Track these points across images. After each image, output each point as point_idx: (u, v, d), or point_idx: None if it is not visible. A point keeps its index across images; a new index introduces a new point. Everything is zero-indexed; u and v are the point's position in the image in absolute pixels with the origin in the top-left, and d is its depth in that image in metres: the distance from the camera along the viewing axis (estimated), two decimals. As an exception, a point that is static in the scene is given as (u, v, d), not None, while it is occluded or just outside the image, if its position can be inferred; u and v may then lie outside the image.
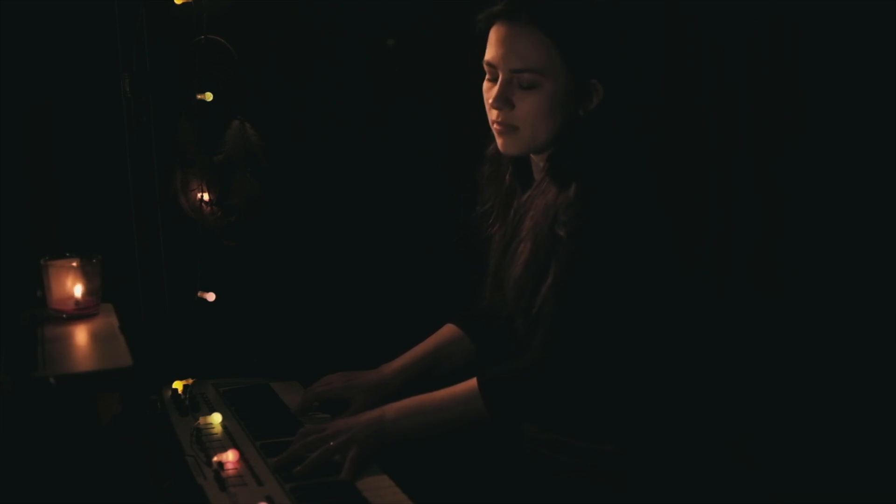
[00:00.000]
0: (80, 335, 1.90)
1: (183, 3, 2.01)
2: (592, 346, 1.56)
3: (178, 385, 1.96)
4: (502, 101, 1.62)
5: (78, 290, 1.97)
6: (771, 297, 2.33)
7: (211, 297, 2.07)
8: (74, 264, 1.97)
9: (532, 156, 1.71)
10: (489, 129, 1.71)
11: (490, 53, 1.64)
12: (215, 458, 1.60)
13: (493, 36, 1.63)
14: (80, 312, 1.97)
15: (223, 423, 1.78)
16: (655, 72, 2.50)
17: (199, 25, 2.01)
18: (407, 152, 2.52)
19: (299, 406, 1.82)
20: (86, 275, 1.98)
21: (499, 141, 1.67)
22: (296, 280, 2.37)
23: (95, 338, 1.88)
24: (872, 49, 2.19)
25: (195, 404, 1.90)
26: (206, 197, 2.07)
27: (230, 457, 1.61)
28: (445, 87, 2.48)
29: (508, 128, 1.64)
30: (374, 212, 2.48)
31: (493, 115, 1.65)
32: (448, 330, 1.92)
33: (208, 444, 1.68)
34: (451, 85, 2.49)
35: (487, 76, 1.66)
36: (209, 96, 2.03)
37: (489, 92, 1.65)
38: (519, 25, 1.59)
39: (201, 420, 1.77)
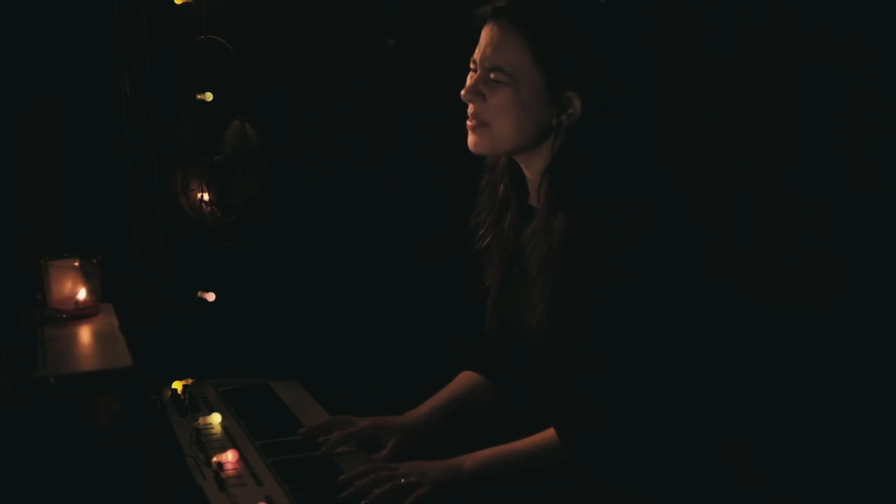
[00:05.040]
0: (80, 335, 1.90)
1: (183, 3, 2.01)
2: (662, 383, 1.53)
3: (177, 385, 1.96)
4: (473, 92, 1.65)
5: (78, 290, 1.97)
6: (767, 302, 2.33)
7: (211, 297, 2.07)
8: (75, 264, 1.97)
9: (526, 172, 1.70)
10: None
11: (476, 51, 1.67)
12: (215, 459, 1.60)
13: (482, 34, 1.66)
14: (80, 312, 1.97)
15: (223, 424, 1.78)
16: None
17: (199, 25, 2.02)
18: (407, 152, 2.51)
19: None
20: (86, 275, 1.98)
21: (469, 139, 1.68)
22: (296, 280, 2.37)
23: (95, 338, 1.89)
24: (871, 53, 2.18)
25: (195, 404, 1.90)
26: (206, 197, 2.07)
27: (230, 457, 1.61)
28: (445, 87, 2.48)
29: (478, 123, 1.65)
30: (374, 212, 2.48)
31: (468, 108, 1.67)
32: (467, 376, 1.88)
33: (208, 445, 1.68)
34: (451, 85, 2.48)
35: (470, 71, 1.69)
36: (209, 96, 2.03)
37: (466, 87, 1.67)
38: (502, 26, 1.62)
39: (201, 420, 1.78)
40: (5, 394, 1.61)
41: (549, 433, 1.56)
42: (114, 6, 1.99)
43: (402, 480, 1.51)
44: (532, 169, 1.68)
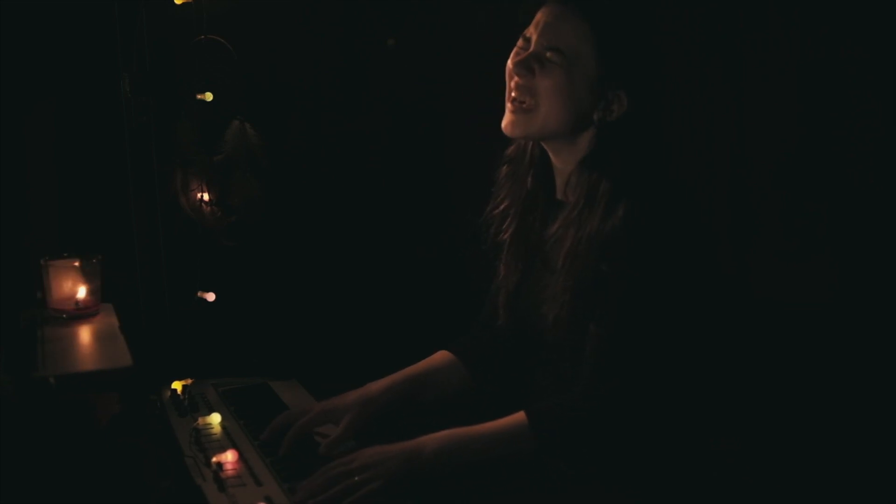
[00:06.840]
0: (80, 335, 1.90)
1: (183, 3, 2.01)
2: (650, 379, 1.53)
3: (177, 385, 1.96)
4: (524, 67, 1.61)
5: (78, 290, 1.97)
6: (771, 300, 2.33)
7: (211, 297, 2.07)
8: (75, 264, 1.97)
9: (555, 162, 1.69)
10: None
11: (530, 28, 1.64)
12: (214, 459, 1.60)
13: (539, 16, 1.64)
14: (80, 312, 1.97)
15: (222, 424, 1.78)
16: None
17: (199, 25, 2.02)
18: (407, 152, 2.52)
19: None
20: (86, 275, 1.98)
21: (507, 119, 1.64)
22: (295, 280, 2.37)
23: (95, 338, 1.88)
24: (870, 53, 2.19)
25: (194, 404, 1.90)
26: (206, 197, 2.07)
27: (229, 457, 1.61)
28: (445, 87, 2.48)
29: (523, 100, 1.62)
30: (374, 212, 2.48)
31: (511, 82, 1.64)
32: (440, 356, 1.85)
33: (207, 445, 1.68)
34: (451, 85, 2.49)
35: (518, 47, 1.66)
36: (209, 96, 2.03)
37: (514, 59, 1.64)
38: (566, 9, 1.61)
39: (200, 420, 1.78)
40: (5, 394, 1.61)
41: (519, 416, 1.53)
42: (114, 6, 1.99)
43: (357, 478, 1.47)
44: (562, 159, 1.67)
